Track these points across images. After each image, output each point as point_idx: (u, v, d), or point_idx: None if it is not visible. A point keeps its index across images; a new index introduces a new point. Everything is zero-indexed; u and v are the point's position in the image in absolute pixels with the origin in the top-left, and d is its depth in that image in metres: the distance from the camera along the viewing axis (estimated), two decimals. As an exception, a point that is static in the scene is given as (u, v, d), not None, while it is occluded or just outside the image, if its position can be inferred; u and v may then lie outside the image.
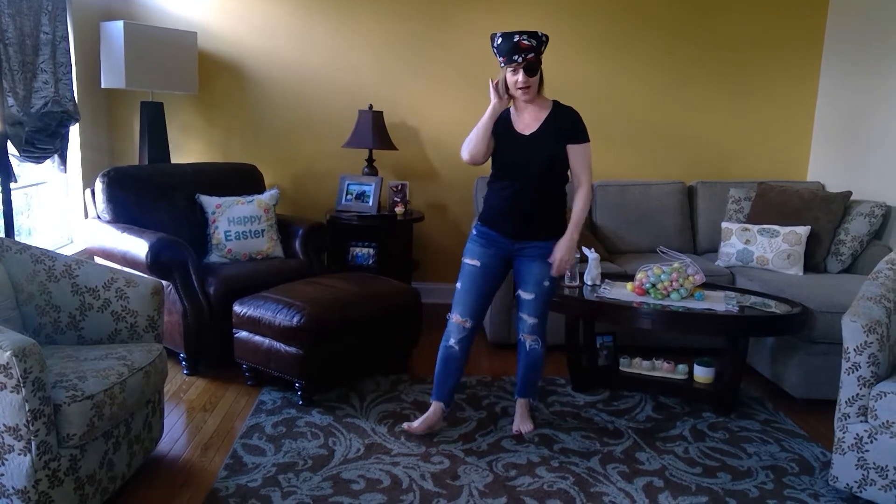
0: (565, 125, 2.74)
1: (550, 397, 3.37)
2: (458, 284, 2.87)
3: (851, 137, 4.43)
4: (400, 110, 4.74)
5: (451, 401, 2.97)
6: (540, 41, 2.64)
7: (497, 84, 2.69)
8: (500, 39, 2.64)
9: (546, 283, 2.82)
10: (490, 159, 2.83)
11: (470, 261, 2.86)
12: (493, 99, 2.71)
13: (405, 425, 2.93)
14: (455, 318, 2.87)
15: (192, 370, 3.50)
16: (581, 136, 2.76)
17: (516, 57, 2.60)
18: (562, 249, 2.76)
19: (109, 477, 2.29)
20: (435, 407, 2.93)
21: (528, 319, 2.86)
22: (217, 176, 4.14)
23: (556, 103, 2.79)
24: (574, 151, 2.75)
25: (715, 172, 4.87)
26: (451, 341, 2.88)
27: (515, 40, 2.59)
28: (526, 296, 2.84)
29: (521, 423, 2.97)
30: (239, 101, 4.71)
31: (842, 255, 3.96)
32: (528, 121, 2.75)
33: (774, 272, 3.92)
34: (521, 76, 2.63)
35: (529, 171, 2.74)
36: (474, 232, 2.89)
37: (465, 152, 2.78)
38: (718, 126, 4.85)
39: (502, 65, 2.67)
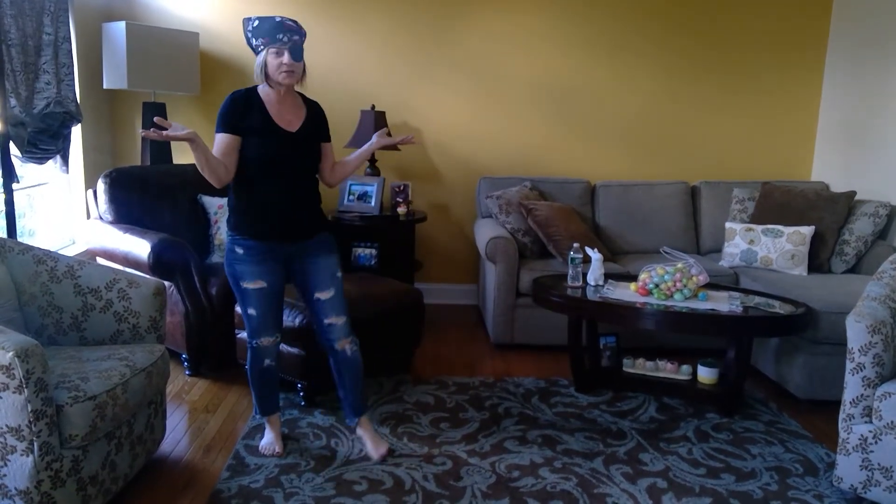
0: (321, 123, 2.66)
1: (553, 398, 3.36)
2: (252, 311, 2.57)
3: (856, 137, 4.42)
4: (402, 111, 4.73)
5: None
6: (303, 30, 2.48)
7: (260, 71, 2.49)
8: (256, 22, 2.43)
9: (339, 275, 2.68)
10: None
11: (252, 284, 2.54)
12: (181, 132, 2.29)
13: (272, 450, 2.74)
14: (264, 341, 2.63)
15: (194, 371, 3.49)
16: (328, 134, 2.70)
17: (281, 36, 2.41)
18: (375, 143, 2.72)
19: (112, 478, 2.29)
20: (274, 420, 2.79)
21: (338, 321, 2.63)
22: (219, 176, 4.13)
23: (303, 96, 2.65)
24: (326, 149, 2.69)
25: (718, 172, 4.86)
26: (267, 362, 2.68)
27: (278, 20, 2.41)
28: (325, 295, 2.61)
29: (379, 446, 2.73)
30: (241, 102, 4.70)
31: (846, 255, 3.95)
32: (288, 117, 2.54)
33: (778, 272, 3.90)
34: (286, 57, 2.42)
35: (298, 170, 2.56)
36: (240, 251, 2.53)
37: (212, 181, 2.41)
38: (722, 126, 4.84)
39: (261, 48, 2.44)
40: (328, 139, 2.69)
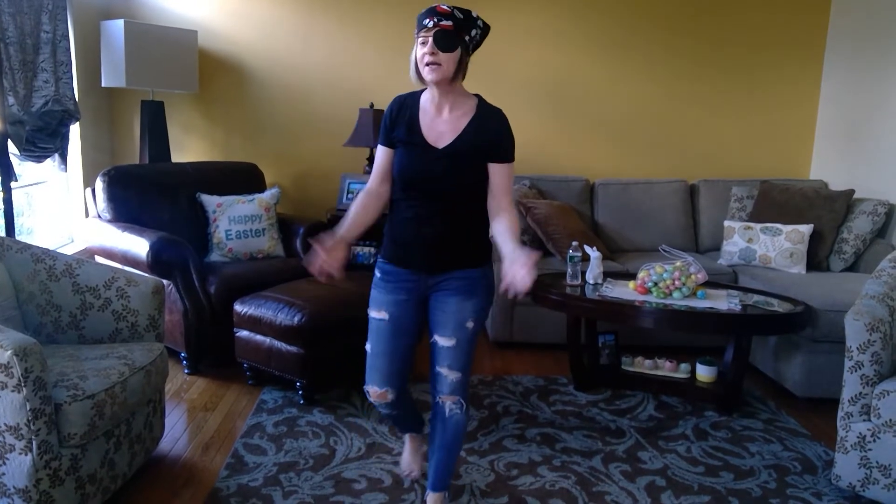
0: (490, 139, 2.08)
1: (552, 396, 3.36)
2: (368, 346, 2.23)
3: (854, 135, 4.42)
4: (401, 109, 4.72)
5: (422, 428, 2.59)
6: (470, 20, 2.01)
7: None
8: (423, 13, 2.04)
9: (470, 325, 2.16)
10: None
11: (375, 313, 2.20)
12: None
13: (408, 470, 2.58)
14: (372, 391, 2.23)
15: (193, 369, 3.49)
16: (507, 154, 2.11)
17: (427, 21, 1.96)
18: (528, 264, 1.89)
19: (110, 476, 2.29)
20: (413, 437, 2.62)
21: (449, 375, 2.18)
22: (218, 175, 4.13)
23: (480, 103, 2.13)
24: (496, 171, 2.10)
25: (717, 170, 4.86)
26: (385, 412, 2.33)
27: (434, 6, 1.98)
28: (445, 342, 2.17)
29: None
30: (239, 100, 4.70)
31: (845, 253, 3.95)
32: (442, 128, 2.08)
33: (777, 271, 3.91)
34: (428, 45, 1.96)
35: (444, 193, 2.10)
36: (378, 274, 2.23)
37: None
38: (721, 124, 4.84)
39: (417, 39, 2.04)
40: (500, 159, 2.09)
